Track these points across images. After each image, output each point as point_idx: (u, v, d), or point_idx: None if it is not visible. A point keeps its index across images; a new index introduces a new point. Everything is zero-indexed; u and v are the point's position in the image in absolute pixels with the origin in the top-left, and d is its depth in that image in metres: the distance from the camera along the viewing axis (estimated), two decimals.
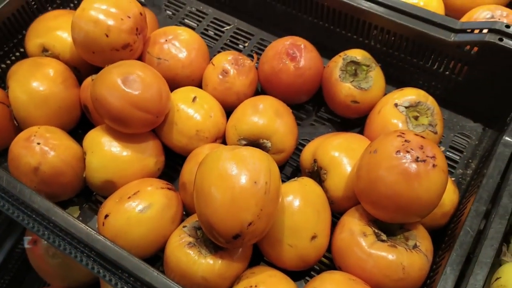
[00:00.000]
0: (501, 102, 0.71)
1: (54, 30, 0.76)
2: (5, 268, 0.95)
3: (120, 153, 0.67)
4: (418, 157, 0.55)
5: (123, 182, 0.67)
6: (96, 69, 0.71)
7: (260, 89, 0.81)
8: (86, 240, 0.56)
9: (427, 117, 0.69)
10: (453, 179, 0.72)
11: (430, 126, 0.68)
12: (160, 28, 0.81)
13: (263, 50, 0.80)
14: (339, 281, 0.57)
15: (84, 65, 0.77)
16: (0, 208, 0.62)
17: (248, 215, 0.53)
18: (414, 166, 0.55)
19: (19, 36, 0.81)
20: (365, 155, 0.60)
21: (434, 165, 0.55)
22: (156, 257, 0.66)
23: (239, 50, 0.87)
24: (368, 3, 0.74)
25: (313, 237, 0.60)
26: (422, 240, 0.60)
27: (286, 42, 0.75)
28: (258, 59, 0.80)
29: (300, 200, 0.61)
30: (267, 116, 0.69)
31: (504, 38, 0.67)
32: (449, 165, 0.73)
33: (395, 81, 0.79)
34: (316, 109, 0.81)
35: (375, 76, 0.72)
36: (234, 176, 0.53)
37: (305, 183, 0.64)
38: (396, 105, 0.69)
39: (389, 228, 0.61)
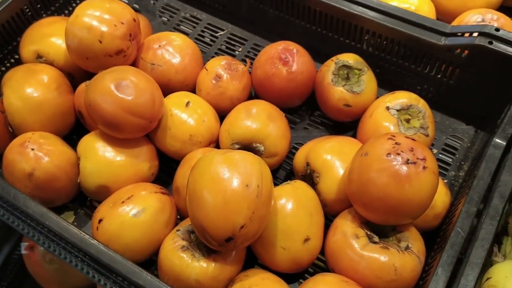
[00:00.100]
0: (493, 104, 0.72)
1: (48, 37, 0.77)
2: (3, 274, 0.95)
3: (114, 158, 0.68)
4: (408, 159, 0.56)
5: (117, 187, 0.67)
6: (90, 75, 0.71)
7: (253, 94, 0.82)
8: (80, 244, 0.57)
9: (418, 120, 0.70)
10: (445, 181, 0.73)
11: (421, 129, 0.69)
12: (154, 34, 0.82)
13: (256, 55, 0.81)
14: (331, 282, 0.57)
15: (78, 71, 0.78)
16: None
17: (240, 218, 0.53)
18: (404, 168, 0.55)
19: (13, 43, 0.82)
20: (356, 158, 0.60)
21: (424, 167, 0.56)
22: (150, 261, 0.66)
23: (233, 55, 0.88)
24: (360, 7, 0.75)
25: (306, 240, 0.61)
26: (414, 241, 0.60)
27: (279, 47, 0.76)
28: (251, 64, 0.81)
29: (292, 203, 0.61)
30: (260, 120, 0.70)
31: (493, 41, 0.68)
32: (441, 167, 0.74)
33: (387, 84, 0.80)
34: (309, 113, 0.82)
35: (367, 80, 0.73)
36: (226, 180, 0.54)
37: (297, 186, 0.64)
38: (387, 108, 0.69)
39: (381, 230, 0.62)
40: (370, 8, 0.75)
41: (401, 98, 0.70)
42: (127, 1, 0.93)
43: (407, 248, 0.59)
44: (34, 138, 0.68)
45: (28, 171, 0.65)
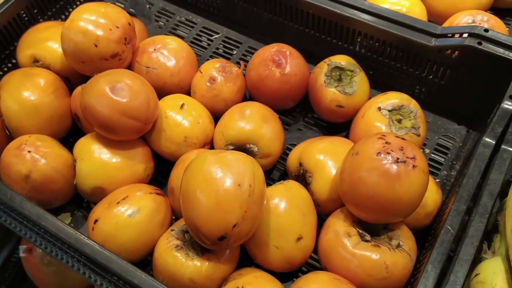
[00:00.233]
0: (484, 104, 0.73)
1: (45, 41, 0.78)
2: (1, 278, 0.96)
3: (109, 160, 0.68)
4: (398, 158, 0.57)
5: (113, 189, 0.68)
6: (86, 79, 0.72)
7: (248, 96, 0.83)
8: (76, 244, 0.57)
9: (410, 120, 0.71)
10: (437, 180, 0.73)
11: (413, 129, 0.69)
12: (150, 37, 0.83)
13: (251, 58, 0.82)
14: (323, 280, 0.58)
15: (74, 75, 0.79)
16: None
17: (233, 217, 0.54)
18: (394, 167, 0.56)
19: (10, 47, 0.83)
20: (347, 158, 0.61)
21: (414, 166, 0.57)
22: (146, 261, 0.67)
23: (228, 58, 0.89)
24: (352, 10, 0.76)
25: (299, 239, 0.62)
26: (406, 239, 0.61)
27: (272, 49, 0.77)
28: (245, 66, 0.82)
29: (285, 202, 0.62)
30: (254, 121, 0.71)
31: (483, 42, 0.69)
32: (434, 167, 0.75)
33: (380, 86, 0.81)
34: (303, 114, 0.83)
35: (360, 81, 0.74)
36: (219, 180, 0.55)
37: (290, 186, 0.65)
38: (379, 108, 0.70)
39: (373, 229, 0.62)
40: (362, 10, 0.76)
41: (393, 98, 0.71)
42: (123, 6, 0.95)
43: (398, 246, 0.60)
44: (30, 140, 0.69)
45: (25, 173, 0.66)
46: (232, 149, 0.70)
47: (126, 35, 0.73)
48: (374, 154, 0.57)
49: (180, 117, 0.72)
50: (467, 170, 0.62)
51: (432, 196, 0.65)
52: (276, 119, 0.74)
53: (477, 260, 0.58)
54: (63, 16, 0.89)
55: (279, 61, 0.75)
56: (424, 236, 0.66)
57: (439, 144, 0.78)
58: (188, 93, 0.79)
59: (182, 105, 0.73)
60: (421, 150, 0.70)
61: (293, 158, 0.70)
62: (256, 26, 0.90)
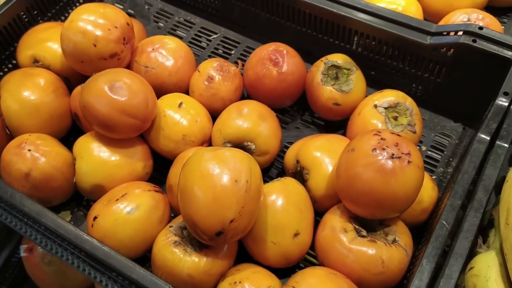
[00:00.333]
0: (479, 101, 0.73)
1: (45, 42, 0.78)
2: (2, 278, 0.96)
3: (108, 158, 0.69)
4: (393, 154, 0.57)
5: (112, 186, 0.69)
6: (85, 79, 0.72)
7: (246, 95, 0.83)
8: (75, 241, 0.58)
9: (406, 117, 0.71)
10: (434, 177, 0.74)
11: (409, 126, 0.70)
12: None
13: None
14: (320, 275, 0.58)
15: (74, 75, 0.79)
16: None
17: (230, 212, 0.55)
18: (389, 162, 0.57)
19: (11, 48, 0.84)
20: (343, 154, 0.62)
21: (409, 162, 0.57)
22: (145, 258, 0.67)
23: (226, 58, 0.90)
24: (349, 9, 0.77)
25: (296, 235, 0.62)
26: (401, 235, 0.61)
27: (269, 48, 0.78)
28: (243, 65, 0.83)
29: (282, 199, 0.63)
30: (251, 119, 0.71)
31: (477, 40, 0.69)
32: (430, 164, 0.76)
33: (377, 84, 0.81)
34: (300, 113, 0.83)
35: (356, 79, 0.75)
36: (216, 176, 0.56)
37: (287, 183, 0.66)
38: (375, 106, 0.71)
39: (369, 225, 0.63)
40: (359, 9, 0.77)
41: (389, 96, 0.72)
42: (122, 7, 0.96)
43: (394, 241, 0.60)
44: (31, 139, 0.69)
45: (25, 171, 0.67)
46: (230, 147, 0.71)
47: (125, 35, 0.74)
48: (370, 150, 0.58)
49: (179, 116, 0.73)
50: (462, 166, 0.63)
51: (428, 192, 0.66)
52: (273, 117, 0.75)
53: (472, 254, 0.58)
54: (62, 17, 0.90)
55: (276, 60, 0.76)
56: (421, 232, 0.67)
57: (435, 142, 0.78)
58: (186, 92, 0.80)
59: (180, 104, 0.74)
60: (418, 147, 0.71)
61: (290, 156, 0.71)
62: (254, 26, 0.91)
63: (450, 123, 0.80)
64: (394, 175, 0.57)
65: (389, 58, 0.79)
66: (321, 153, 0.67)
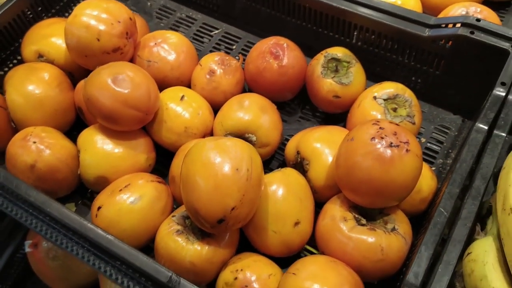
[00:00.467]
0: (478, 94, 0.74)
1: (49, 37, 0.80)
2: (7, 274, 0.97)
3: (112, 150, 0.70)
4: (392, 143, 0.58)
5: (115, 178, 0.70)
6: (89, 74, 0.73)
7: (247, 89, 0.84)
8: (80, 229, 0.59)
9: (405, 108, 0.72)
10: (433, 168, 0.75)
11: (408, 117, 0.71)
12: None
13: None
14: (320, 262, 0.59)
15: (78, 70, 0.81)
16: None
17: (231, 200, 0.56)
18: (388, 151, 0.58)
19: (15, 44, 0.85)
20: (343, 144, 0.63)
21: (407, 150, 0.58)
22: (148, 248, 0.68)
23: (228, 53, 0.90)
24: (349, 3, 0.78)
25: (296, 223, 0.63)
26: (401, 223, 0.62)
27: (270, 42, 0.79)
28: (244, 59, 0.84)
29: (283, 188, 0.64)
30: (252, 111, 0.72)
31: (475, 31, 0.70)
32: (430, 156, 0.77)
33: (377, 77, 0.82)
34: (301, 106, 0.84)
35: (356, 72, 0.76)
36: (217, 164, 0.57)
37: (288, 173, 0.66)
38: (375, 98, 0.72)
39: (369, 214, 0.64)
40: (359, 3, 0.78)
41: (388, 88, 0.73)
42: (124, 4, 0.97)
43: (393, 229, 0.61)
44: (36, 132, 0.70)
45: (30, 163, 0.68)
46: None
47: (128, 30, 0.75)
48: (369, 139, 0.59)
49: (181, 109, 0.74)
50: (460, 155, 0.63)
51: (427, 181, 0.67)
52: (274, 109, 0.76)
53: (470, 241, 0.59)
54: (66, 14, 0.92)
55: (276, 53, 0.77)
56: (420, 222, 0.68)
57: (435, 134, 0.79)
58: (188, 86, 0.81)
59: (182, 97, 0.75)
60: (417, 139, 0.72)
61: (291, 147, 0.72)
62: (255, 22, 0.92)
63: (449, 115, 0.81)
64: (393, 163, 0.57)
65: (388, 51, 0.80)
66: (321, 144, 0.68)
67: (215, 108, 0.78)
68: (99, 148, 0.70)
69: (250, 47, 0.90)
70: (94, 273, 0.83)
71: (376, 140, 0.58)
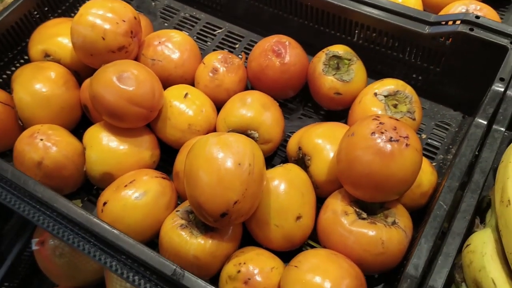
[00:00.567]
0: (478, 90, 0.75)
1: (55, 37, 0.81)
2: (14, 272, 0.99)
3: (117, 147, 0.72)
4: (392, 137, 0.59)
5: (120, 174, 0.71)
6: (94, 72, 0.75)
7: (250, 87, 0.86)
8: (86, 224, 0.60)
9: (405, 105, 0.73)
10: (434, 164, 0.76)
11: (408, 113, 0.72)
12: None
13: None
14: (321, 255, 0.60)
15: (83, 69, 0.82)
16: (3, 201, 0.66)
17: (234, 194, 0.57)
18: (388, 145, 0.59)
19: (22, 43, 0.86)
20: (344, 139, 0.64)
21: (407, 144, 0.59)
22: (152, 243, 0.69)
23: (231, 52, 0.92)
24: (350, 1, 0.79)
25: (298, 218, 0.64)
26: (401, 217, 0.63)
27: (272, 40, 0.80)
28: (246, 58, 0.85)
29: (285, 183, 0.65)
30: (255, 108, 0.73)
31: (474, 28, 0.71)
32: (430, 151, 0.78)
33: (378, 75, 0.83)
34: (303, 103, 0.86)
35: (357, 69, 0.77)
36: (220, 159, 0.58)
37: (290, 169, 0.68)
38: (375, 94, 0.73)
39: (370, 208, 0.65)
40: (360, 1, 0.79)
41: (389, 84, 0.74)
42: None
43: (393, 223, 0.62)
44: (42, 129, 0.72)
45: (37, 160, 0.70)
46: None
47: (132, 29, 0.77)
48: (369, 134, 0.60)
49: (184, 106, 0.75)
50: (460, 150, 0.64)
51: (427, 176, 0.68)
52: (276, 106, 0.77)
53: (469, 234, 0.60)
54: (72, 14, 0.93)
55: (278, 51, 0.78)
56: (421, 216, 0.69)
57: (435, 130, 0.80)
58: (192, 84, 0.82)
59: (186, 95, 0.76)
60: (417, 135, 0.73)
61: (292, 143, 0.73)
62: (258, 21, 0.93)
63: (449, 111, 0.82)
64: (393, 158, 0.58)
65: (389, 48, 0.81)
66: (322, 140, 0.69)
67: (218, 105, 0.79)
68: (105, 145, 0.71)
69: (253, 46, 0.91)
70: (100, 271, 0.84)
71: (376, 135, 0.59)
